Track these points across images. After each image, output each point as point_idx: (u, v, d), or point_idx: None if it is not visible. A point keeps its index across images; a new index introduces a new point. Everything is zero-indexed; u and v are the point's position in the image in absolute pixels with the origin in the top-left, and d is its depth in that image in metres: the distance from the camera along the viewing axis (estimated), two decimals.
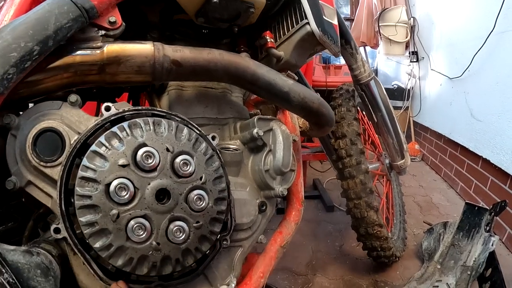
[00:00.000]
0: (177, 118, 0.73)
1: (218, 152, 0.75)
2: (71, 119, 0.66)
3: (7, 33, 0.57)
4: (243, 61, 0.80)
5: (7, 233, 0.76)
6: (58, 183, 0.62)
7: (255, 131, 0.82)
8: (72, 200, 0.60)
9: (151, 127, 0.66)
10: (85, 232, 0.59)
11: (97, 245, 0.60)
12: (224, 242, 0.76)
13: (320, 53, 3.63)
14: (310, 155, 2.31)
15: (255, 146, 0.87)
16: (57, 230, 0.61)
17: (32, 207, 0.74)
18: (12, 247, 0.55)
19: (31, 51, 0.58)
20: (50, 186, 0.64)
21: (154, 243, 0.62)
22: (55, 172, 0.63)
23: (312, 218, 2.40)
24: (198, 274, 0.74)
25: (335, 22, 0.98)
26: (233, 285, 0.63)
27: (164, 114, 0.72)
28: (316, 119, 0.95)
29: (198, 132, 0.73)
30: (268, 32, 0.95)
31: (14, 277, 0.50)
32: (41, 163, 0.63)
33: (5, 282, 0.48)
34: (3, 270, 0.50)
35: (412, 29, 4.05)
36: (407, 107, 4.04)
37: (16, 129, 0.63)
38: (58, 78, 0.65)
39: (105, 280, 0.64)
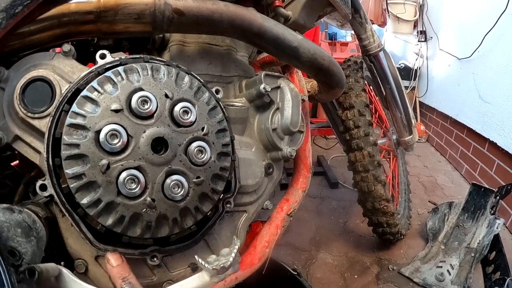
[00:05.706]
0: (178, 67, 0.66)
1: (222, 105, 0.68)
2: (63, 69, 0.62)
3: None
4: (250, 13, 0.74)
5: None
6: (46, 135, 0.56)
7: (262, 86, 0.76)
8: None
9: (149, 72, 0.59)
10: (71, 186, 0.53)
11: (84, 200, 0.54)
12: (228, 205, 0.70)
13: (326, 29, 3.54)
14: (314, 130, 2.26)
15: (262, 103, 0.81)
16: (43, 187, 0.56)
17: (25, 171, 0.71)
18: None
19: None
20: (38, 140, 0.60)
21: (148, 199, 0.56)
22: (44, 124, 0.58)
23: (316, 195, 2.39)
24: (198, 239, 0.69)
25: None
26: (237, 246, 0.57)
27: (164, 62, 0.65)
28: (326, 79, 0.90)
29: (200, 82, 0.66)
30: None
31: None
32: (29, 114, 0.58)
33: None
34: None
35: (421, 7, 3.95)
36: (414, 87, 3.97)
37: (5, 81, 0.59)
38: (51, 28, 0.61)
39: (95, 244, 0.59)
